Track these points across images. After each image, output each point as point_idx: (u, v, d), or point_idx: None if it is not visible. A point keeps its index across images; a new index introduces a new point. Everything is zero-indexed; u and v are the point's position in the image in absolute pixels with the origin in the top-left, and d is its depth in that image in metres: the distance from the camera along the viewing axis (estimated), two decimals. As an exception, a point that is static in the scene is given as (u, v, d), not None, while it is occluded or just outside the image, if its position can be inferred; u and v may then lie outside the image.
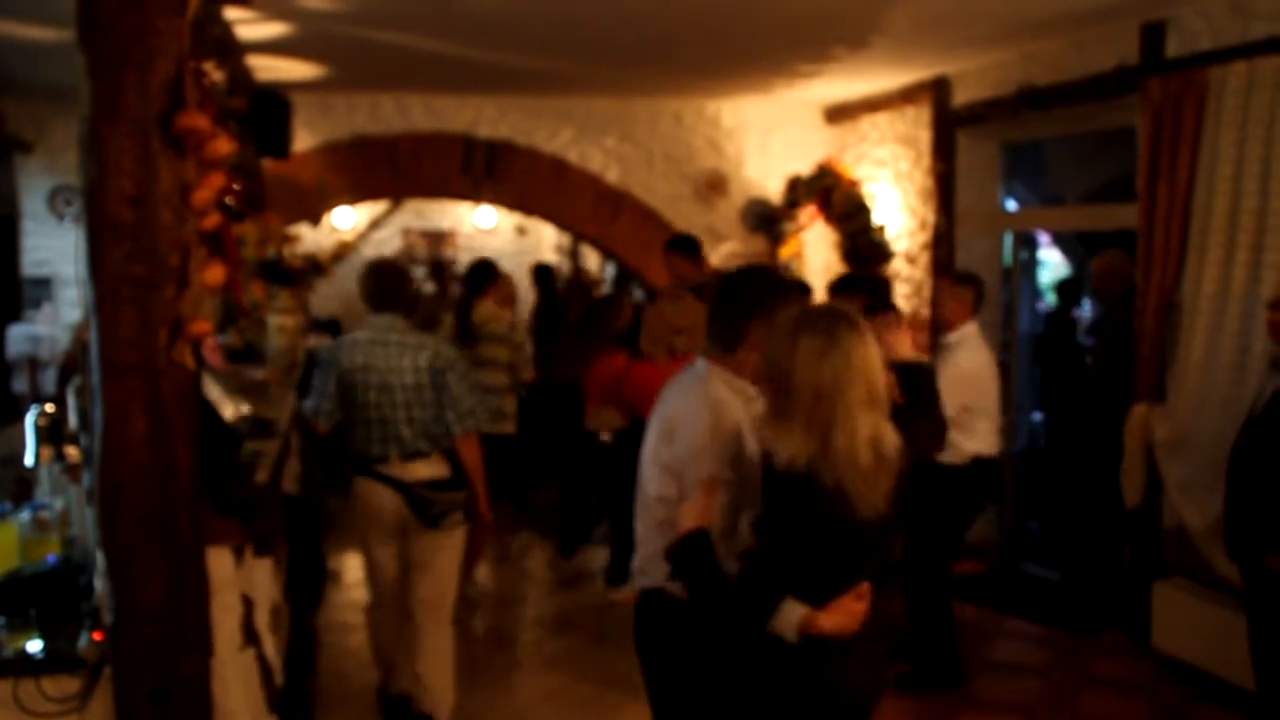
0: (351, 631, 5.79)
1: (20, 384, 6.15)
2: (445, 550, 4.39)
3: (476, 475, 4.37)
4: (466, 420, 4.26)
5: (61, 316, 7.09)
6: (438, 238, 13.35)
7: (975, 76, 6.55)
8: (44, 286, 7.39)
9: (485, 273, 6.59)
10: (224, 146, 2.57)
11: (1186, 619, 4.91)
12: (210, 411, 2.94)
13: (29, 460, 3.19)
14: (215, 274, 2.66)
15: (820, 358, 2.35)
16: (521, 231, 13.49)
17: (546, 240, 13.46)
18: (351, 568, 6.92)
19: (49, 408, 3.17)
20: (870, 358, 2.39)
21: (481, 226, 13.34)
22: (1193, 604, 4.86)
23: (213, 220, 2.67)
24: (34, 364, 6.21)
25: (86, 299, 2.50)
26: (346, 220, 12.37)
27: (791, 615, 2.36)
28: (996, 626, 5.79)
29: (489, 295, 6.44)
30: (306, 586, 5.74)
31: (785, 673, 2.43)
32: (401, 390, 4.18)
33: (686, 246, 6.39)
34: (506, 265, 13.21)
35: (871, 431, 2.37)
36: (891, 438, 2.42)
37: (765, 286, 2.89)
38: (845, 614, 2.41)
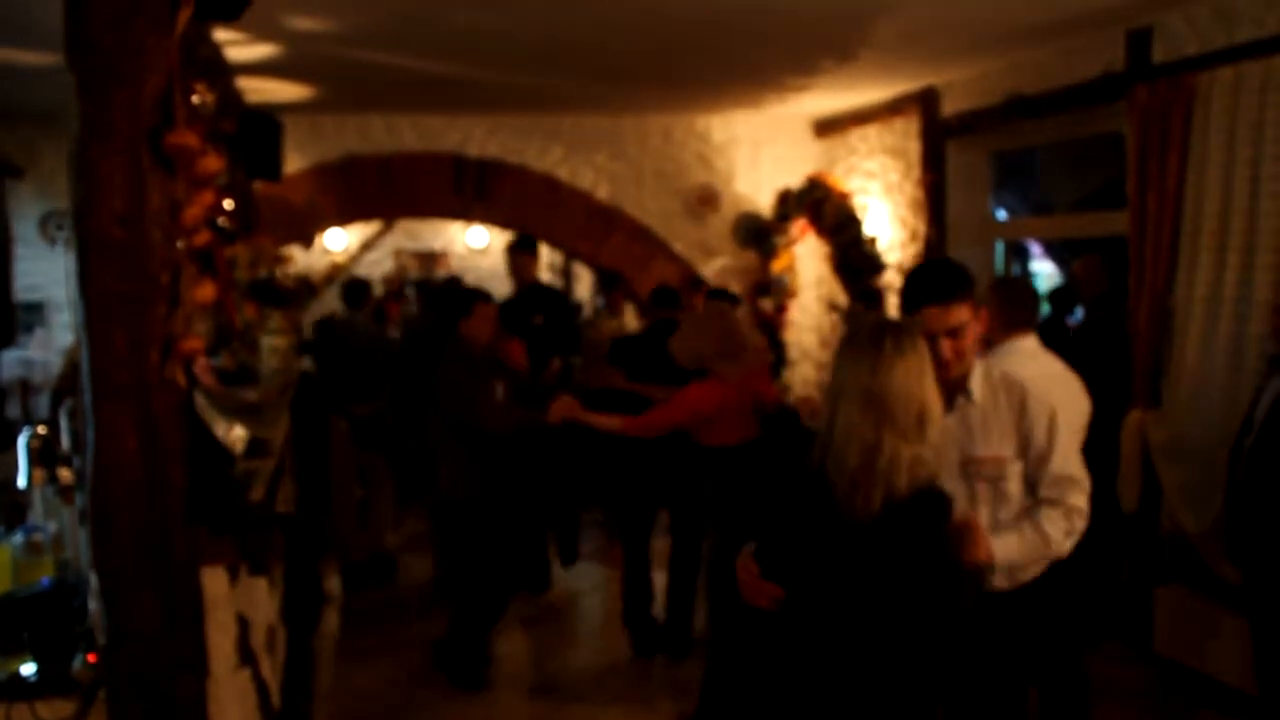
0: (349, 653, 5.76)
1: (13, 409, 6.13)
2: None
3: None
4: None
5: (54, 341, 7.09)
6: (430, 258, 13.35)
7: (963, 87, 6.58)
8: (36, 312, 7.39)
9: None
10: (213, 164, 2.57)
11: (1187, 624, 4.90)
12: (203, 430, 2.92)
13: (22, 482, 3.17)
14: (206, 292, 2.65)
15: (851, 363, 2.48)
16: (514, 251, 13.48)
17: (539, 260, 13.45)
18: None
19: (41, 430, 3.15)
20: (895, 376, 2.42)
21: (474, 246, 13.35)
22: (1194, 609, 4.86)
23: (203, 238, 2.66)
24: (26, 389, 6.19)
25: (77, 318, 2.49)
26: (338, 242, 12.37)
27: None
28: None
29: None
30: (303, 608, 5.70)
31: None
32: None
33: (528, 246, 7.04)
34: (498, 286, 13.33)
35: (870, 441, 2.38)
36: (907, 457, 2.41)
37: None
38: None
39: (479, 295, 5.63)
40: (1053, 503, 2.91)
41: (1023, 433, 2.92)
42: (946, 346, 2.81)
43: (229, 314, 3.86)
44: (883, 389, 2.39)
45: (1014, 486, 2.94)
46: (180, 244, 2.55)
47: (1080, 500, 2.93)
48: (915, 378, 2.43)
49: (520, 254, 7.23)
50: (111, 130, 2.44)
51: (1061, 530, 2.90)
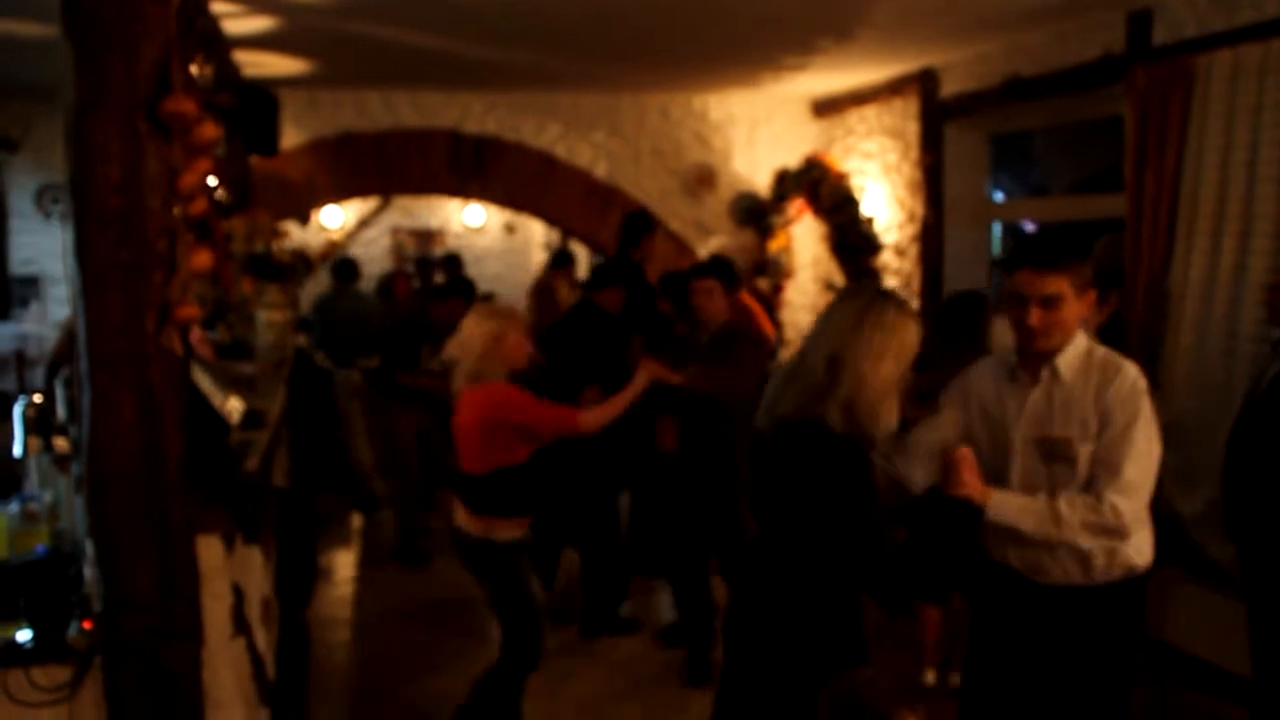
0: (342, 626, 5.78)
1: (9, 382, 6.13)
2: None
3: None
4: None
5: (49, 315, 7.08)
6: (427, 236, 13.34)
7: (962, 68, 6.56)
8: (31, 285, 7.38)
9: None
10: (210, 131, 2.56)
11: (1182, 607, 4.92)
12: (199, 399, 2.93)
13: (17, 451, 3.17)
14: (203, 259, 2.65)
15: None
16: (510, 230, 13.48)
17: (536, 238, 13.45)
18: (342, 565, 6.91)
19: (37, 398, 3.15)
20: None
21: (470, 225, 13.34)
22: (1188, 592, 4.87)
23: (200, 205, 2.66)
24: (21, 362, 6.19)
25: (74, 286, 2.49)
26: (335, 219, 12.36)
27: None
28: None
29: None
30: (297, 583, 5.72)
31: None
32: None
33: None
34: (495, 264, 13.33)
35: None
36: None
37: None
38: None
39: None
40: (1088, 489, 2.82)
41: (1101, 413, 2.83)
42: (1035, 315, 2.81)
43: (226, 284, 3.84)
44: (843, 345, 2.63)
45: (1086, 470, 2.85)
46: (177, 211, 2.55)
47: (1124, 503, 2.78)
48: (868, 346, 2.62)
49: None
50: (108, 98, 2.43)
51: (1081, 520, 2.78)
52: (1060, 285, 2.81)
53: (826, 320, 2.73)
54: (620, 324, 5.61)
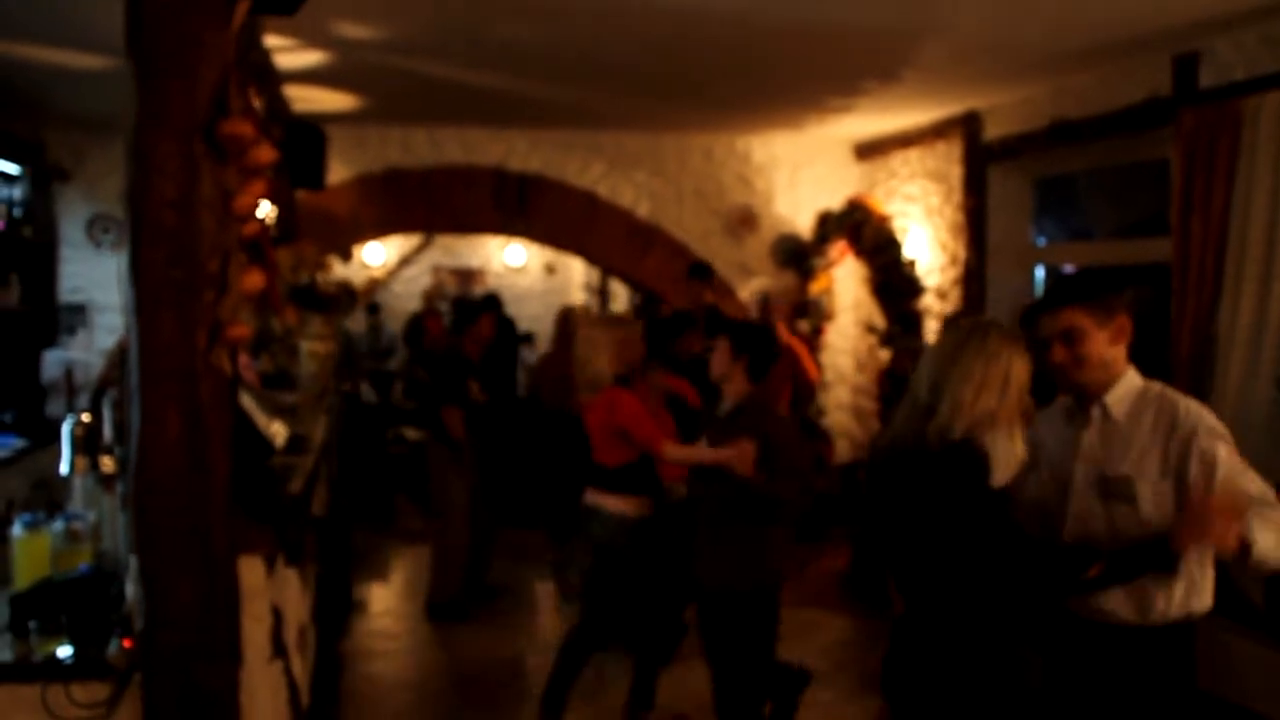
0: (377, 659, 5.77)
1: (56, 408, 6.21)
2: None
3: None
4: None
5: (95, 343, 7.18)
6: (467, 275, 13.46)
7: (1007, 111, 6.56)
8: (79, 313, 7.50)
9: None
10: (266, 154, 2.59)
11: (1223, 654, 4.81)
12: (244, 420, 2.95)
13: (64, 468, 3.20)
14: (254, 280, 2.67)
15: None
16: (550, 270, 13.57)
17: (576, 278, 13.53)
18: (377, 598, 6.91)
19: (85, 417, 3.18)
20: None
21: (511, 264, 13.44)
22: (1235, 641, 4.77)
23: (253, 227, 2.69)
24: (70, 389, 6.27)
25: (126, 302, 2.51)
26: (377, 256, 12.50)
27: None
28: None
29: None
30: (334, 614, 5.73)
31: None
32: None
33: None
34: (535, 304, 13.40)
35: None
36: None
37: None
38: None
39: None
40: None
41: (1168, 453, 2.76)
42: (1058, 350, 2.81)
43: (275, 305, 3.89)
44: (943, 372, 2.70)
45: (1149, 509, 2.76)
46: (231, 231, 2.58)
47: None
48: (967, 374, 2.67)
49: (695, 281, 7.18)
50: (167, 118, 2.47)
51: None
52: (1074, 318, 2.79)
53: (933, 348, 2.83)
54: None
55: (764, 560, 4.04)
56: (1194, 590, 2.84)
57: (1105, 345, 2.82)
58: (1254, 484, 2.76)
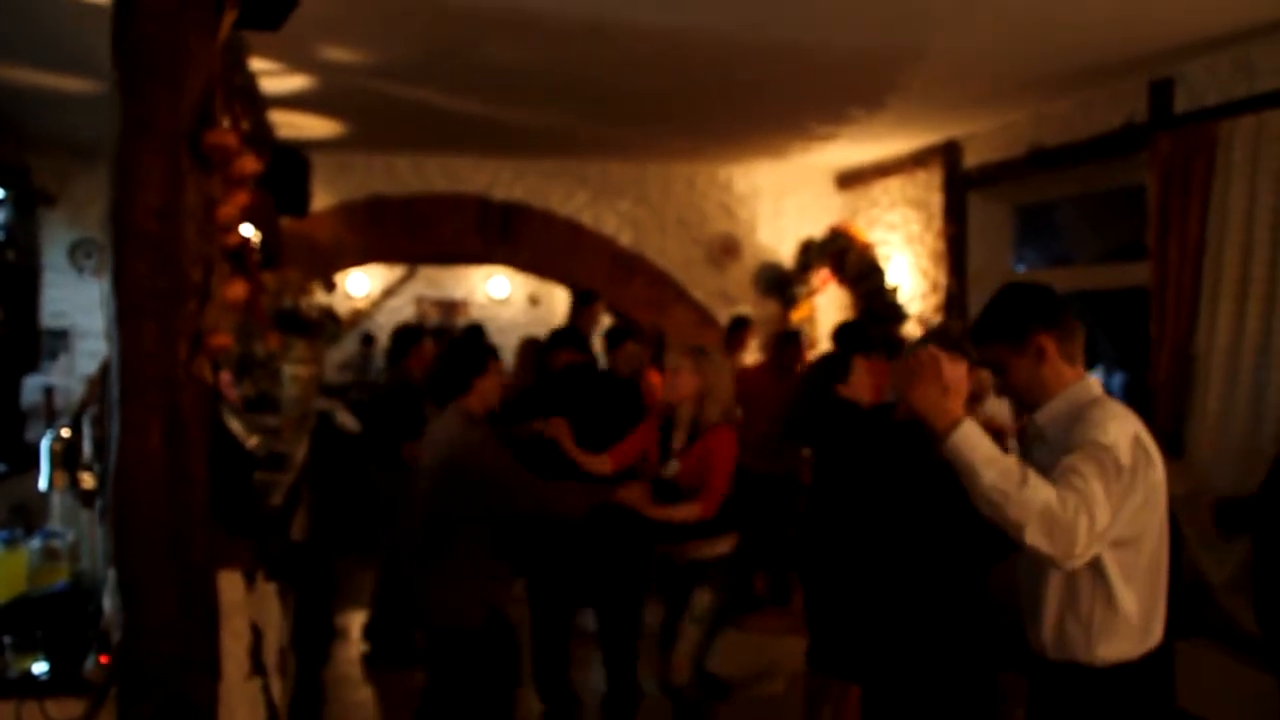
0: (360, 686, 5.71)
1: (35, 432, 6.15)
2: None
3: None
4: None
5: (76, 369, 7.14)
6: (450, 307, 13.44)
7: (986, 139, 6.63)
8: (61, 338, 7.46)
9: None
10: (250, 164, 2.61)
11: (1212, 678, 4.81)
12: (225, 433, 2.94)
13: (42, 485, 3.17)
14: (237, 290, 2.68)
15: None
16: (534, 301, 13.57)
17: (560, 310, 13.52)
18: (359, 626, 6.84)
19: (65, 433, 3.16)
20: None
21: (495, 296, 13.43)
22: (1219, 663, 4.77)
23: (236, 237, 2.69)
24: (50, 413, 6.22)
25: (108, 311, 2.51)
26: (360, 287, 12.48)
27: None
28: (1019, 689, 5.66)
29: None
30: (314, 640, 5.67)
31: None
32: None
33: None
34: (518, 336, 13.32)
35: None
36: None
37: None
38: None
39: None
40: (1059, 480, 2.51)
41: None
42: (997, 379, 2.94)
43: (257, 311, 3.87)
44: None
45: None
46: (214, 241, 2.58)
47: (1072, 501, 2.44)
48: None
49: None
50: (152, 126, 2.47)
51: (1043, 501, 2.43)
52: (992, 353, 2.77)
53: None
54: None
55: None
56: (1110, 632, 2.65)
57: (1030, 369, 2.70)
58: (1078, 480, 2.49)
